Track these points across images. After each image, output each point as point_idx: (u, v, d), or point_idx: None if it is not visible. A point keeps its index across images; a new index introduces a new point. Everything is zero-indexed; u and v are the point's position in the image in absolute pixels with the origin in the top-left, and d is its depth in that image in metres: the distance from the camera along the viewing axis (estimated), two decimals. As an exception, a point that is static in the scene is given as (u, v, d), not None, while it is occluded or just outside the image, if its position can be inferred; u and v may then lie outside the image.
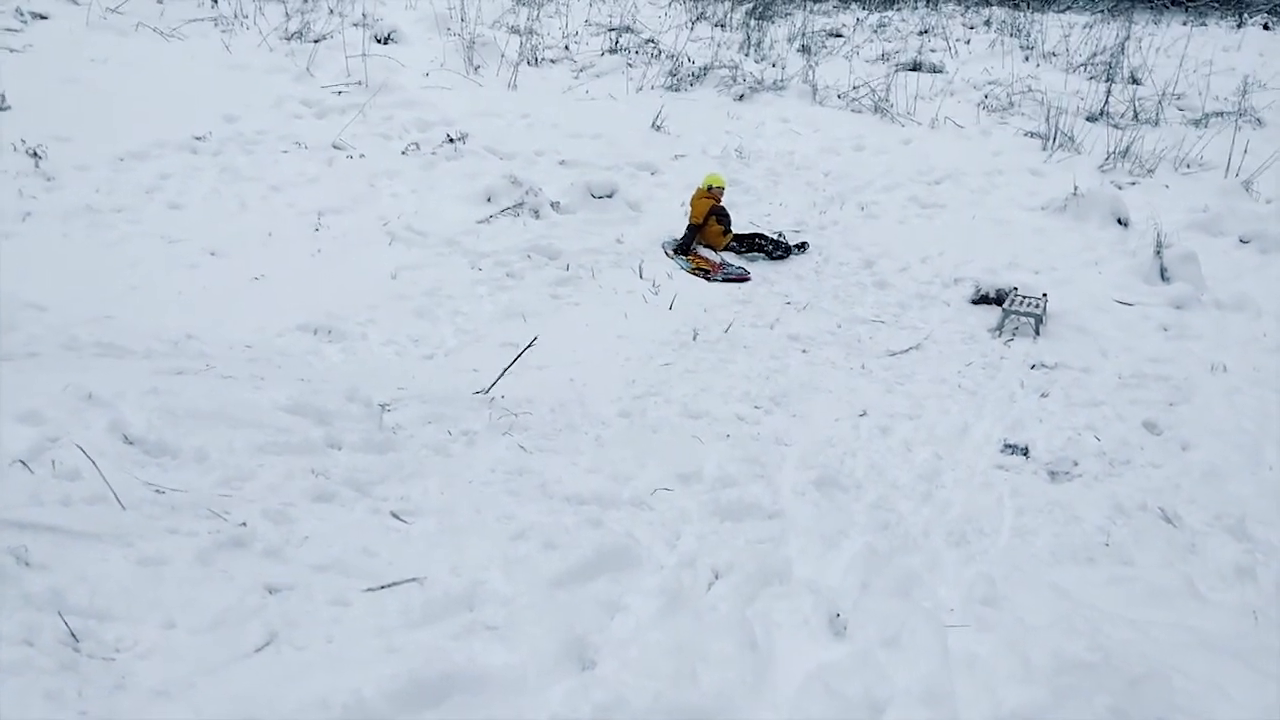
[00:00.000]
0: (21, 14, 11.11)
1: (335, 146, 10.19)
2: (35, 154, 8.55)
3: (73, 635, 2.58)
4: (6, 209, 7.93)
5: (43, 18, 11.27)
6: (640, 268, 8.74)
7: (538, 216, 9.43)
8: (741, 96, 13.54)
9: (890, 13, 21.20)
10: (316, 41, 12.29)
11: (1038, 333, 7.92)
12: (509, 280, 8.36)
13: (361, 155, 10.14)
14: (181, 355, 5.85)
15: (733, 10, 18.93)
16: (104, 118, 9.66)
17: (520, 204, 9.44)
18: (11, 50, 10.27)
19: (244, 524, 3.40)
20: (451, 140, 10.51)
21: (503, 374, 6.09)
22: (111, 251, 7.73)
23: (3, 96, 9.19)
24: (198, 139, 9.70)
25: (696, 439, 5.84)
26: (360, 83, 11.51)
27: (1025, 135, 12.63)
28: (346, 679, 2.63)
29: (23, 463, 3.42)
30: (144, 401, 4.44)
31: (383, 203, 9.39)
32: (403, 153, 10.31)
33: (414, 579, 3.22)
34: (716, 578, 3.79)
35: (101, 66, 10.59)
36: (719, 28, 17.92)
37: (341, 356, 6.86)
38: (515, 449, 5.01)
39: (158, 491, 3.52)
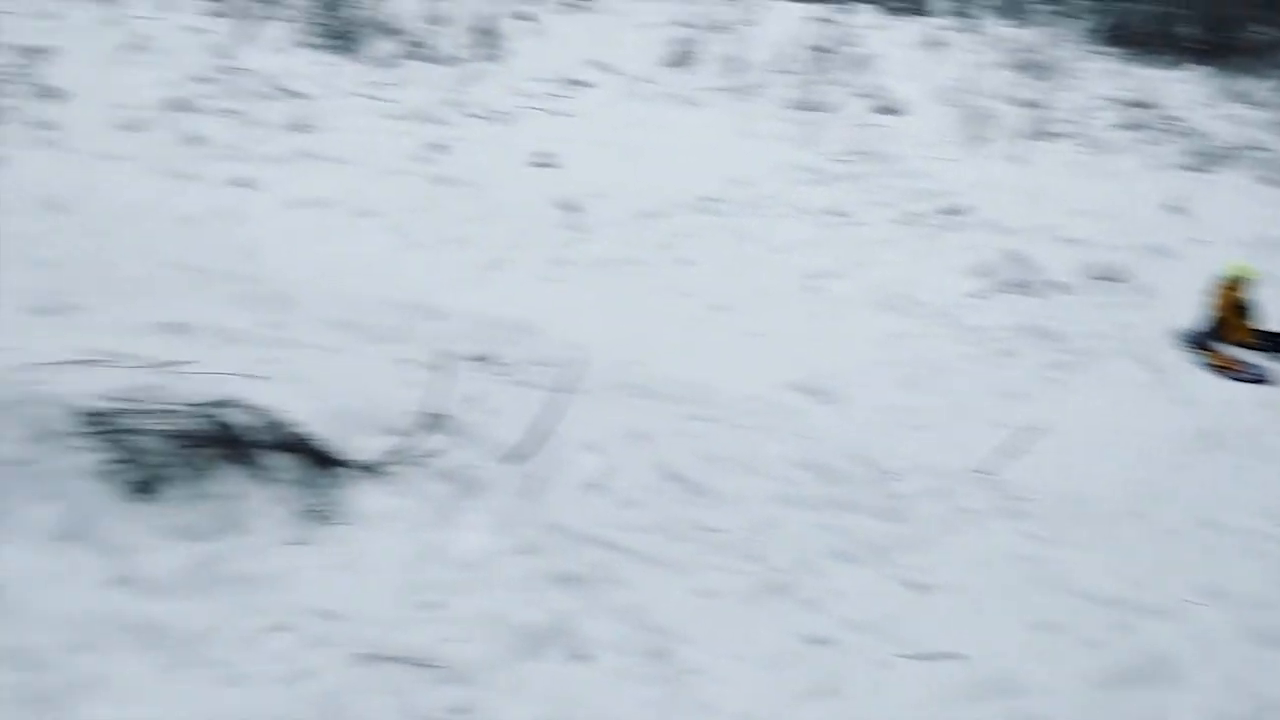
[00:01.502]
0: (571, 82, 12.56)
1: (834, 213, 10.51)
2: (575, 208, 9.59)
3: (657, 652, 2.86)
4: (549, 255, 8.97)
5: (588, 86, 12.66)
6: (1147, 357, 8.22)
7: (1036, 295, 9.17)
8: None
9: None
10: (823, 112, 12.80)
11: None
12: (1003, 358, 8.19)
13: (859, 223, 10.39)
14: (697, 402, 6.26)
15: (1266, 86, 17.27)
16: (630, 177, 10.64)
17: (1018, 281, 9.24)
18: (562, 115, 11.64)
19: (781, 570, 3.60)
20: (950, 212, 10.50)
21: (1004, 455, 5.96)
22: (633, 301, 8.47)
23: (554, 156, 10.42)
24: (709, 200, 10.41)
25: (1217, 551, 5.37)
26: (862, 152, 11.82)
27: None
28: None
29: (594, 487, 3.85)
30: (677, 443, 4.83)
31: (877, 270, 9.54)
32: (900, 222, 10.44)
33: (951, 654, 3.24)
34: (1266, 709, 3.46)
35: (631, 131, 11.70)
36: (1250, 105, 16.41)
37: (834, 418, 7.02)
38: (1023, 535, 4.87)
39: (702, 529, 3.82)
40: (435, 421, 3.90)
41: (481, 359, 5.63)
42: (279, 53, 12.31)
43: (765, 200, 10.67)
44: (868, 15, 16.00)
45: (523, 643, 2.78)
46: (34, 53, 10.15)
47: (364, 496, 3.40)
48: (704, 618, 3.14)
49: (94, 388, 3.30)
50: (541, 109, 11.90)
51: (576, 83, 12.72)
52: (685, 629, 3.03)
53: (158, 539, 2.90)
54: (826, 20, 14.89)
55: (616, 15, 14.81)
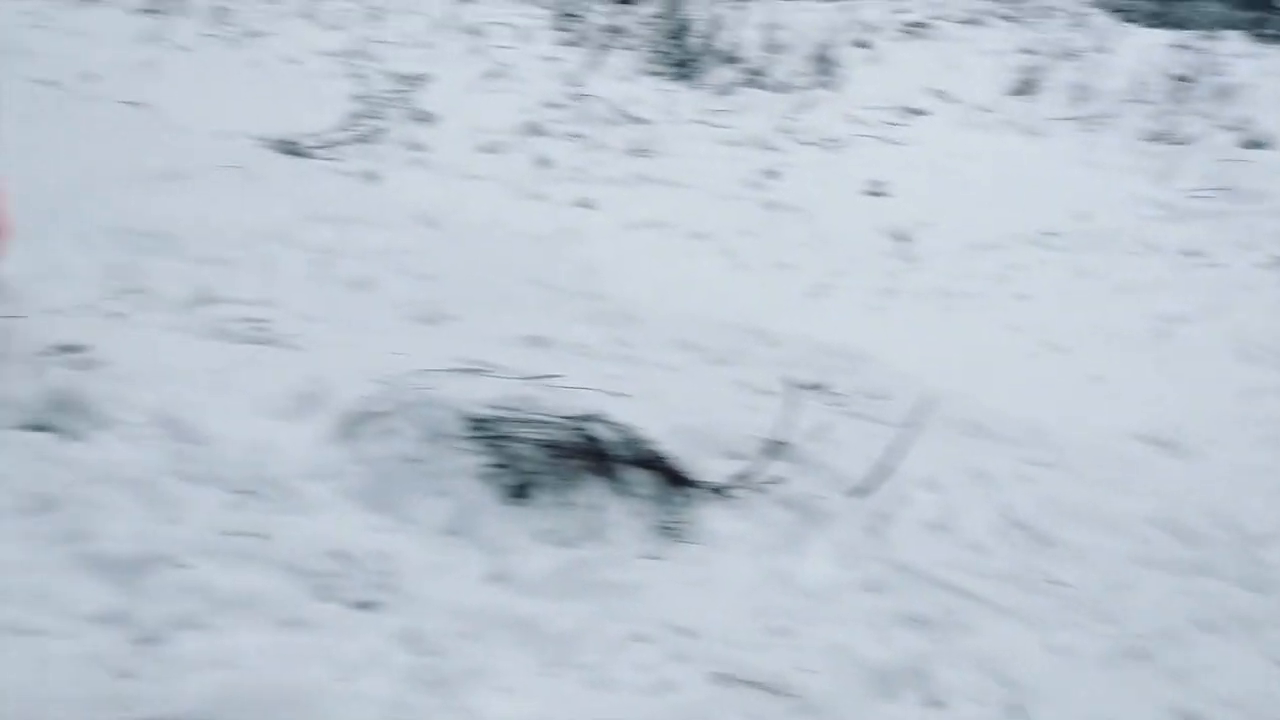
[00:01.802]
0: (907, 110, 12.38)
1: (1189, 253, 9.81)
2: (906, 238, 9.45)
3: (1013, 707, 2.78)
4: (878, 284, 8.87)
5: (924, 113, 12.44)
6: None
7: None
8: None
9: None
10: (1180, 144, 11.97)
11: None
12: (1388, 424, 7.34)
13: (1218, 264, 9.64)
14: (1037, 445, 6.01)
15: None
16: (962, 207, 10.35)
17: None
18: (896, 143, 11.51)
19: (1140, 635, 3.39)
20: (1325, 257, 9.55)
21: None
22: (963, 334, 8.22)
23: (886, 184, 10.32)
24: (1049, 234, 9.97)
25: None
26: (1225, 188, 10.95)
27: None
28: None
29: (937, 527, 3.77)
30: (1019, 488, 4.66)
31: (1238, 316, 8.79)
32: (1267, 266, 9.59)
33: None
34: None
35: (968, 160, 11.39)
36: None
37: (1188, 475, 6.52)
38: None
39: (1052, 582, 3.66)
40: (778, 448, 3.96)
41: (815, 387, 5.64)
42: (624, 80, 12.85)
43: (1111, 236, 10.09)
44: (1235, 42, 14.76)
45: (875, 681, 2.77)
46: (411, 79, 11.11)
47: (713, 517, 3.50)
48: (1059, 677, 3.01)
49: (475, 395, 3.58)
50: (875, 136, 11.79)
51: (913, 110, 12.50)
52: (1040, 686, 2.91)
53: (530, 541, 3.12)
54: (1187, 47, 13.91)
55: (958, 42, 14.43)
